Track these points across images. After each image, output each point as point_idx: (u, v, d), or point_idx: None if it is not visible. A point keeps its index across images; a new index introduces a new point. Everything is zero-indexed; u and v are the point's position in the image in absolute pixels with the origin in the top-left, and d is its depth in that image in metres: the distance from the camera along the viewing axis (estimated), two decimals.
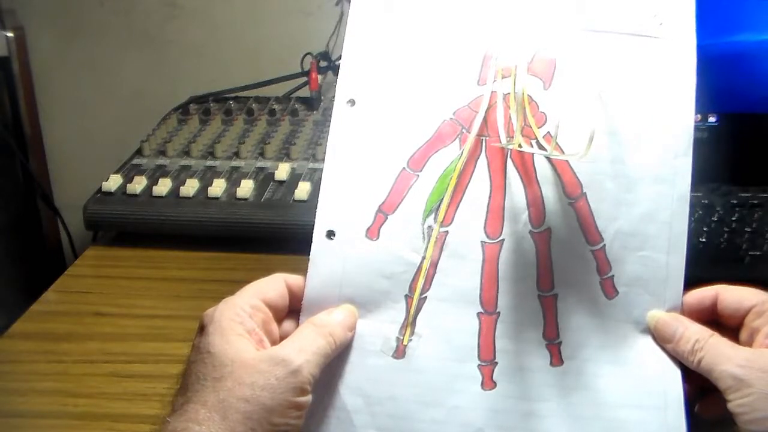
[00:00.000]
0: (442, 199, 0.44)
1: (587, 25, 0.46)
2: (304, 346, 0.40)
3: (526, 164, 0.44)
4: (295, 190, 0.75)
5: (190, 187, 0.76)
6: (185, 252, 0.73)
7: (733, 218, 0.68)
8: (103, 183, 0.77)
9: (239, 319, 0.40)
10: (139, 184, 0.77)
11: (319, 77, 0.97)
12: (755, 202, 0.69)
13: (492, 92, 0.45)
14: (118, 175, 0.79)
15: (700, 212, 0.69)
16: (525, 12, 0.46)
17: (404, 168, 0.45)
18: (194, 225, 0.74)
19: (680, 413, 0.42)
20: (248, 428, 0.36)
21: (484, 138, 0.45)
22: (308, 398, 0.39)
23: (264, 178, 0.79)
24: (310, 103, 0.96)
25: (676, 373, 0.43)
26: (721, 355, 0.40)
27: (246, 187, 0.76)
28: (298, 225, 0.70)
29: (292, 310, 0.44)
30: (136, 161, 0.83)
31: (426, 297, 0.44)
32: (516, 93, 0.44)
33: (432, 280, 0.44)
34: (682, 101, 0.45)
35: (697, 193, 0.70)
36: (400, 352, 0.43)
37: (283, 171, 0.79)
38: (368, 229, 0.44)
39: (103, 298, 0.66)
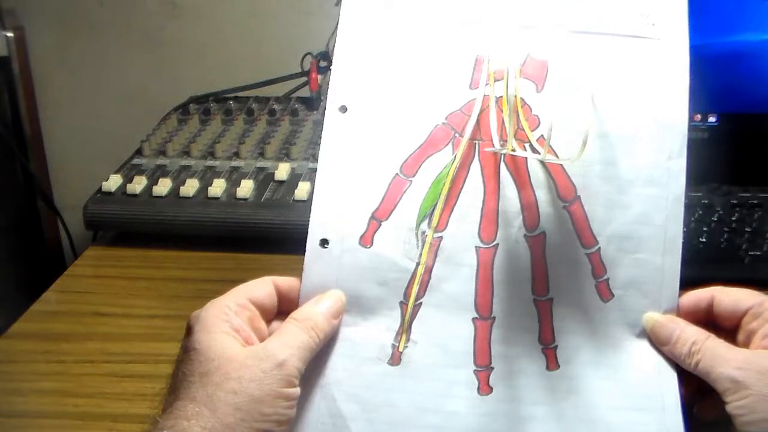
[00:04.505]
0: (436, 204, 0.44)
1: (579, 27, 0.46)
2: (288, 341, 0.40)
3: (519, 168, 0.44)
4: (295, 190, 0.75)
5: (190, 187, 0.76)
6: (185, 252, 0.73)
7: (733, 218, 0.68)
8: (103, 183, 0.77)
9: (225, 317, 0.40)
10: (139, 184, 0.77)
11: (319, 77, 0.97)
12: (755, 202, 0.69)
13: (484, 96, 0.45)
14: (118, 175, 0.79)
15: (700, 212, 0.68)
16: (516, 14, 0.46)
17: (397, 174, 0.44)
18: (194, 225, 0.74)
19: (678, 416, 0.42)
20: (238, 419, 0.37)
21: (477, 142, 0.45)
22: (296, 390, 0.39)
23: (264, 178, 0.79)
24: (310, 103, 0.96)
25: (673, 376, 0.43)
26: (718, 357, 0.40)
27: (246, 187, 0.76)
28: (298, 225, 0.69)
29: (281, 311, 0.44)
30: (136, 161, 0.83)
31: (421, 303, 0.44)
32: (508, 96, 0.44)
33: (427, 286, 0.44)
34: (676, 102, 0.44)
35: (697, 193, 0.70)
36: (395, 358, 0.43)
37: (283, 171, 0.79)
38: (362, 236, 0.44)
39: (103, 298, 0.66)
